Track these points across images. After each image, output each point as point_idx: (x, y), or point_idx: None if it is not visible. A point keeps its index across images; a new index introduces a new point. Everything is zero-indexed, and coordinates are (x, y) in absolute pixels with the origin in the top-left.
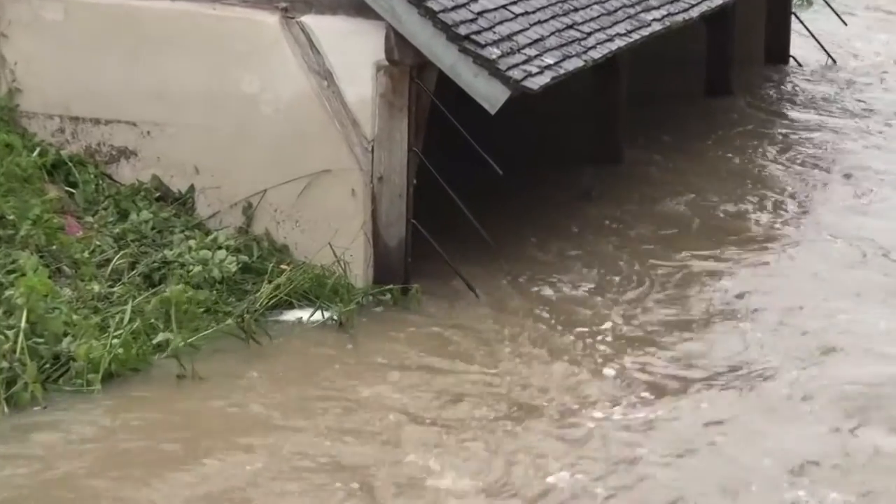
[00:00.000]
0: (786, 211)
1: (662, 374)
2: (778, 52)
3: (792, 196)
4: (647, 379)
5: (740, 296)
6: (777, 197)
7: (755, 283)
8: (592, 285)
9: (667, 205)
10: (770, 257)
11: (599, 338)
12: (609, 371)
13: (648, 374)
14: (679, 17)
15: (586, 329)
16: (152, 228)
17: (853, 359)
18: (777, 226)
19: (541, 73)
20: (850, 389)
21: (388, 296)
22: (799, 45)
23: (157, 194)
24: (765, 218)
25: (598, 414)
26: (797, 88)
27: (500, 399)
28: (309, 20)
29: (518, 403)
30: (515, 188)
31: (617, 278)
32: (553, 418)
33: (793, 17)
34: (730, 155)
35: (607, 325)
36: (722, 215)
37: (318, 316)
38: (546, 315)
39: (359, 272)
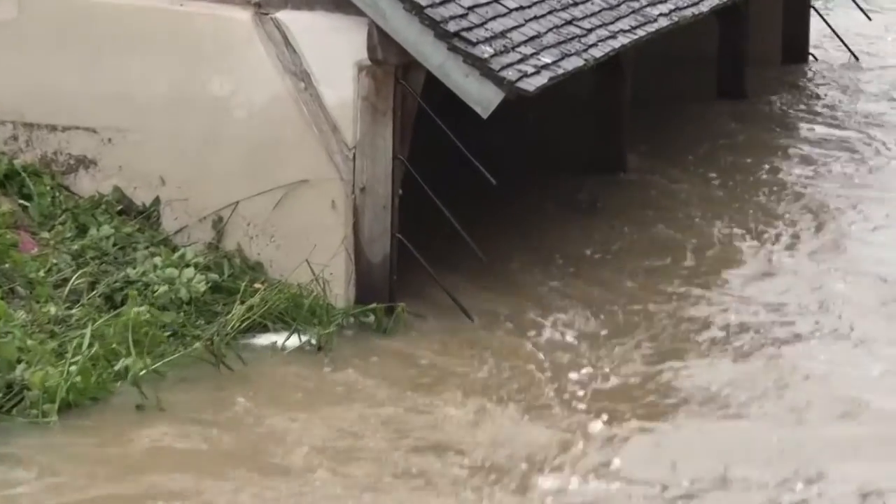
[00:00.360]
0: (789, 238)
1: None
2: (796, 49)
3: (793, 224)
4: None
5: (732, 347)
6: (781, 221)
7: (748, 323)
8: (584, 323)
9: (664, 229)
10: (768, 289)
11: (581, 393)
12: (590, 428)
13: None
14: (688, 12)
15: (574, 376)
16: (114, 245)
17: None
18: (776, 256)
19: (537, 73)
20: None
21: (371, 316)
22: (819, 42)
23: (119, 207)
24: (765, 246)
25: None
26: (816, 91)
27: (476, 447)
28: (284, 16)
29: (491, 465)
30: (509, 198)
31: (603, 317)
32: (522, 483)
33: (812, 12)
34: (739, 168)
35: (590, 372)
36: (719, 244)
37: (294, 339)
38: (530, 348)
39: (339, 291)
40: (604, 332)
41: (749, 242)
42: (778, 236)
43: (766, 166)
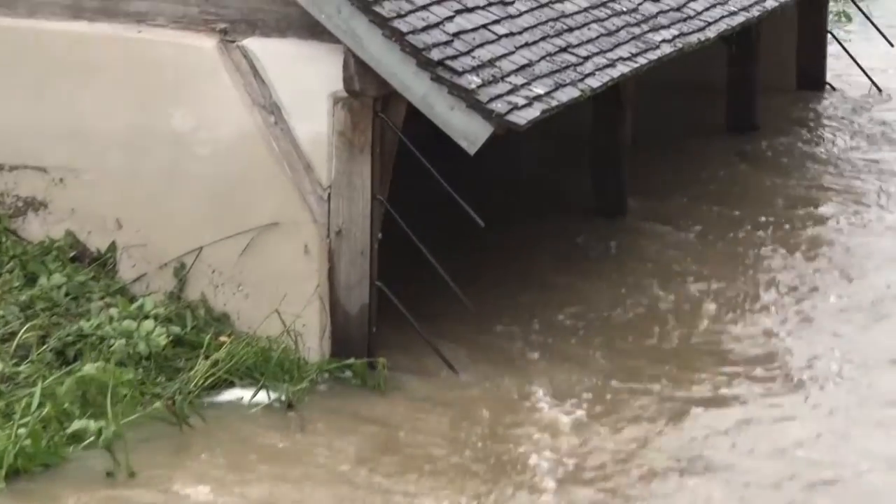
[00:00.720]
0: (788, 313)
1: None
2: (812, 77)
3: (794, 289)
4: None
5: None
6: (783, 290)
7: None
8: (567, 403)
9: (657, 291)
10: (758, 392)
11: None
12: None
13: None
14: (693, 38)
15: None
16: (66, 295)
17: None
18: (772, 337)
19: (529, 105)
20: None
21: (349, 372)
22: (837, 70)
23: (72, 254)
24: (756, 325)
25: None
26: (831, 124)
27: None
28: (252, 44)
29: None
30: (498, 242)
31: (588, 399)
32: None
33: (829, 37)
34: (744, 219)
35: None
36: (710, 321)
37: (263, 396)
38: (510, 418)
39: (313, 344)
40: (583, 414)
41: (740, 327)
42: (776, 306)
43: (770, 217)
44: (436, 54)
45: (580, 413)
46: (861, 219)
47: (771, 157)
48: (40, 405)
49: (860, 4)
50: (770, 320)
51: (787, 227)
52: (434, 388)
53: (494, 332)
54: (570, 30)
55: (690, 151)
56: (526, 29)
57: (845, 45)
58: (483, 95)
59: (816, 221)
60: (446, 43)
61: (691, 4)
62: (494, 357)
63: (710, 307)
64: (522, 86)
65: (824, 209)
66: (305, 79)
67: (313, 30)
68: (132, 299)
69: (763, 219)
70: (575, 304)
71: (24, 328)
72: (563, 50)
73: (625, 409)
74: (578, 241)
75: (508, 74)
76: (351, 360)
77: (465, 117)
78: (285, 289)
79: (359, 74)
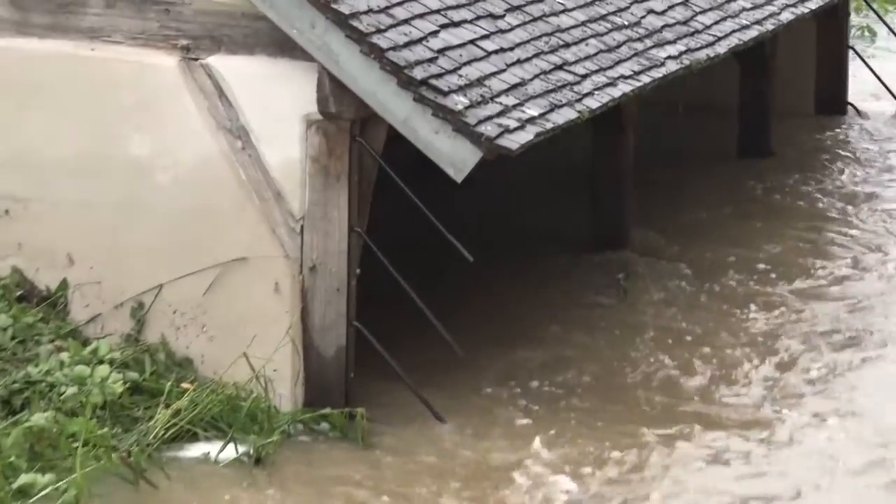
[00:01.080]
0: (789, 378)
1: None
2: (832, 99)
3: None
4: None
5: None
6: (789, 352)
7: None
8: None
9: (653, 351)
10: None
11: None
12: None
13: None
14: (702, 54)
15: None
16: (12, 338)
17: None
18: (762, 407)
19: (521, 127)
20: None
21: (325, 423)
22: (859, 90)
23: (19, 293)
24: (753, 391)
25: None
26: (854, 154)
27: None
28: (218, 63)
29: None
30: (486, 277)
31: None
32: None
33: (851, 54)
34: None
35: None
36: (697, 397)
37: (230, 450)
38: (501, 483)
39: (284, 392)
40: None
41: (738, 390)
42: (778, 367)
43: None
44: (419, 73)
45: (575, 487)
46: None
47: (782, 190)
48: None
49: (885, 18)
50: (760, 390)
51: (796, 272)
52: (419, 441)
53: (481, 380)
54: (567, 45)
55: (698, 179)
56: (518, 45)
57: (869, 62)
58: (471, 117)
59: (827, 270)
60: (430, 60)
61: (699, 17)
62: (482, 407)
63: (706, 370)
64: (514, 107)
65: (836, 252)
66: (276, 100)
67: (284, 46)
68: (85, 342)
69: (768, 265)
70: (570, 361)
71: None
72: (559, 67)
73: (622, 484)
74: (573, 280)
75: (499, 94)
76: (327, 410)
77: (452, 142)
78: (254, 330)
79: (334, 95)
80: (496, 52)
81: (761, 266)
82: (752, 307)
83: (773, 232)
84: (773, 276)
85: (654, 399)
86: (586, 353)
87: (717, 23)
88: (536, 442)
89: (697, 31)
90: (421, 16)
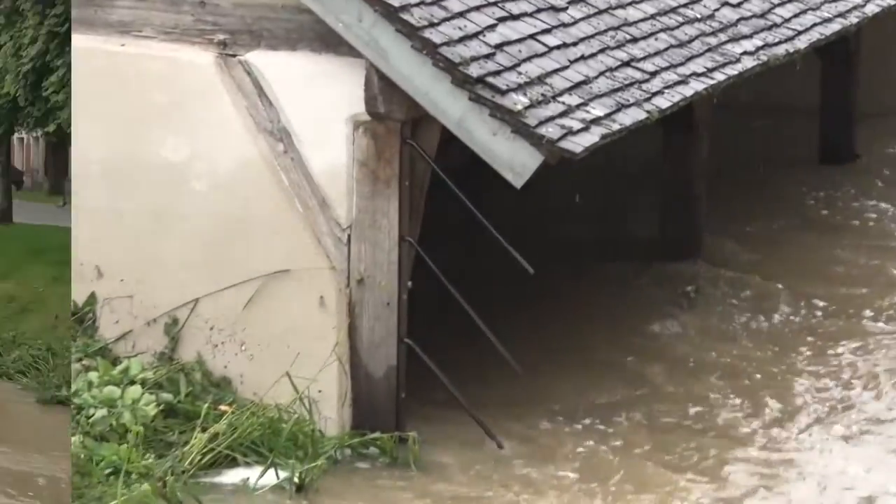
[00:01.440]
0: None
1: None
2: None
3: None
4: None
5: None
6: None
7: None
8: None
9: (724, 391)
10: None
11: None
12: None
13: None
14: (780, 49)
15: None
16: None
17: None
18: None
19: (585, 129)
20: None
21: (374, 448)
22: None
23: None
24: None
25: None
26: None
27: None
28: (257, 59)
29: None
30: (545, 292)
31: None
32: None
33: None
34: (840, 273)
35: None
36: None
37: (271, 476)
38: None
39: (330, 414)
40: None
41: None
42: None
43: (865, 290)
44: (475, 70)
45: None
46: None
47: (868, 199)
48: None
49: None
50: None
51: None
52: (475, 467)
53: (541, 401)
54: (635, 40)
55: (776, 185)
56: (581, 39)
57: None
58: (531, 118)
59: None
60: (487, 56)
61: (777, 10)
62: (542, 430)
63: (768, 413)
64: (578, 106)
65: None
66: (320, 100)
67: (329, 42)
68: (115, 361)
69: (852, 288)
70: (631, 387)
71: None
72: (626, 64)
73: None
74: (640, 292)
75: (561, 93)
76: (377, 434)
77: (510, 144)
78: (297, 348)
79: (383, 94)
80: (558, 47)
81: (843, 290)
82: (833, 331)
83: (857, 245)
84: (859, 300)
85: (706, 447)
86: (646, 383)
87: (796, 16)
88: (604, 469)
89: (776, 25)
90: (477, 8)
